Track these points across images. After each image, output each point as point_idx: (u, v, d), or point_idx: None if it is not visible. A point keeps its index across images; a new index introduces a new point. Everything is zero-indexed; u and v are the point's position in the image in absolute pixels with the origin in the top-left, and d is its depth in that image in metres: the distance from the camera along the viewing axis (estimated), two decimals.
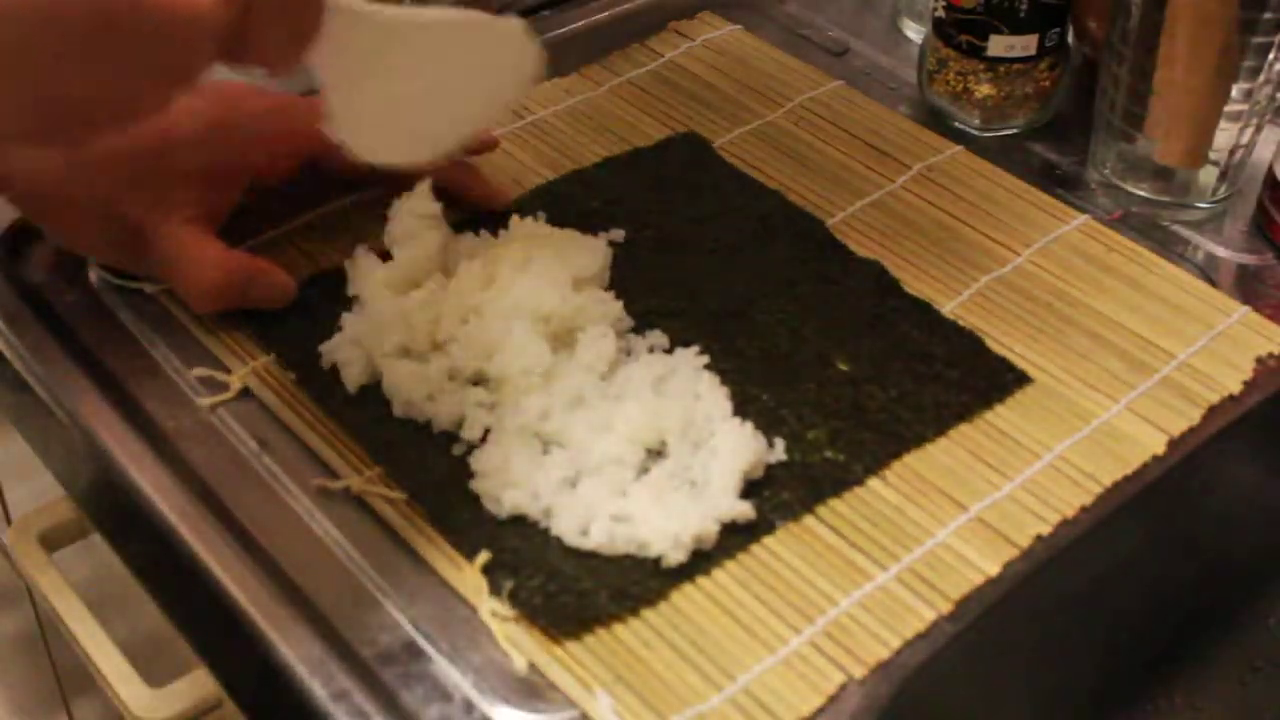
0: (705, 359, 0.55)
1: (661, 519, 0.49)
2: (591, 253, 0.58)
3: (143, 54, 0.41)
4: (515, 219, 0.60)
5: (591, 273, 0.58)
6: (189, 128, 0.56)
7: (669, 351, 0.56)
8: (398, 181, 0.59)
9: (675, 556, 0.49)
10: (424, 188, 0.59)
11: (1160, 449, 0.54)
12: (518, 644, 0.47)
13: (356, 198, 0.63)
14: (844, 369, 0.57)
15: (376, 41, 0.49)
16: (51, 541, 0.61)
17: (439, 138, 0.56)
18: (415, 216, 0.58)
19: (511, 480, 0.50)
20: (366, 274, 0.57)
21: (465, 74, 0.53)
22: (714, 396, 0.53)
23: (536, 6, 0.79)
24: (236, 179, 0.59)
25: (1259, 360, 0.58)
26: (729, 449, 0.51)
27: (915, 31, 0.79)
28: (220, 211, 0.59)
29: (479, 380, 0.54)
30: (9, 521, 0.82)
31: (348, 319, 0.56)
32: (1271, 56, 0.62)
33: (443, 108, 0.55)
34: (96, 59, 0.40)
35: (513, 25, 0.53)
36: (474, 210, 0.63)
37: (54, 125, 0.43)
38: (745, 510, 0.50)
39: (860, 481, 0.52)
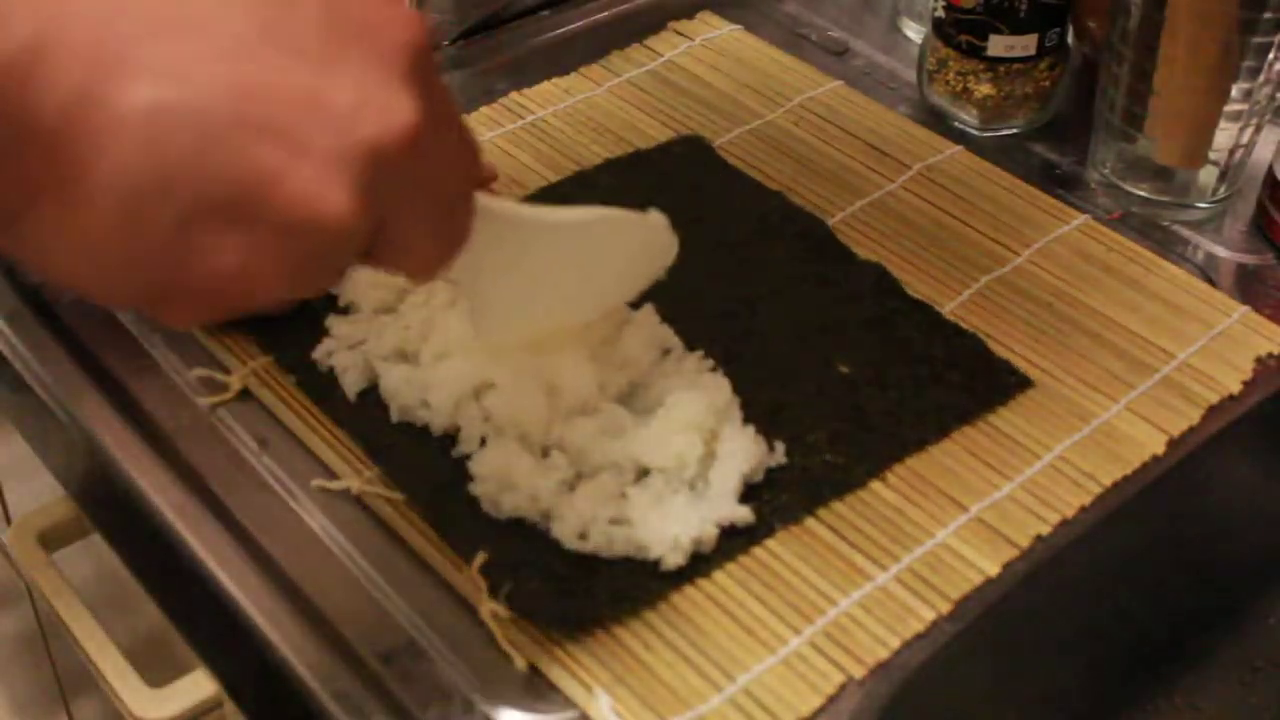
0: (710, 363, 0.55)
1: (660, 522, 0.49)
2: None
3: (277, 251, 0.35)
4: None
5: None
6: None
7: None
8: None
9: (674, 559, 0.48)
10: None
11: (1160, 449, 0.54)
12: (518, 645, 0.47)
13: None
14: (844, 371, 0.56)
15: (519, 239, 0.47)
16: (51, 541, 0.61)
17: (564, 318, 0.54)
18: None
19: (510, 483, 0.50)
20: (358, 280, 0.57)
21: (602, 264, 0.52)
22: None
23: (536, 6, 0.79)
24: None
25: (1259, 360, 0.58)
26: (730, 452, 0.51)
27: (915, 31, 0.79)
28: None
29: (477, 394, 0.53)
30: (9, 521, 0.82)
31: (333, 321, 0.56)
32: (1271, 56, 0.62)
33: (576, 293, 0.52)
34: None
35: (653, 219, 0.51)
36: None
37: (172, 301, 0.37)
38: (745, 514, 0.50)
39: (861, 484, 0.52)
